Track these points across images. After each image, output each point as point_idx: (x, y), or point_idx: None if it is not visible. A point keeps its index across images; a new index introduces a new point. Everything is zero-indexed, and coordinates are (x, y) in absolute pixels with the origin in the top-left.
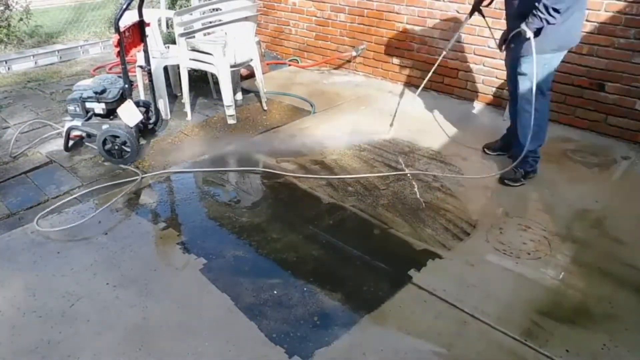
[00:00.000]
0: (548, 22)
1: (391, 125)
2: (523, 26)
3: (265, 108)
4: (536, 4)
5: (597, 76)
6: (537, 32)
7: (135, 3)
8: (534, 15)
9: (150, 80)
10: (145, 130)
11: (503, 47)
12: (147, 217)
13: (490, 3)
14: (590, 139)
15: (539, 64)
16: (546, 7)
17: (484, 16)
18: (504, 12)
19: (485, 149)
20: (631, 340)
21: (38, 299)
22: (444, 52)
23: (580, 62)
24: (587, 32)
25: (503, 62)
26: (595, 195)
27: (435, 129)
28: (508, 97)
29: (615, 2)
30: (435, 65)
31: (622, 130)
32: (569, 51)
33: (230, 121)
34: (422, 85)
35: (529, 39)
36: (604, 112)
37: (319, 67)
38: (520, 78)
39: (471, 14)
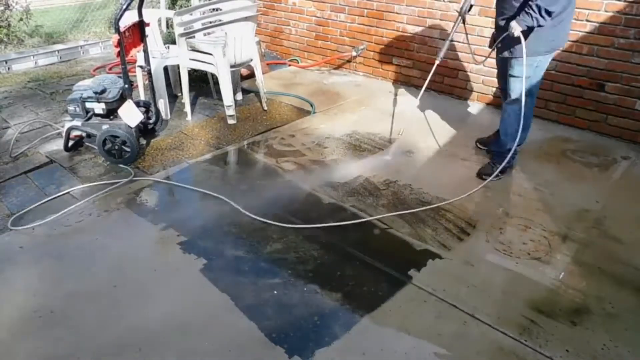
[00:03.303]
0: (538, 23)
1: (400, 134)
2: (513, 23)
3: (266, 108)
4: (530, 3)
5: (597, 76)
6: (527, 34)
7: (135, 3)
8: (527, 13)
9: (150, 80)
10: (145, 130)
11: (493, 46)
12: (147, 216)
13: (470, 9)
14: (590, 139)
15: (531, 66)
16: (539, 8)
17: (465, 24)
18: (495, 11)
19: (477, 143)
20: (631, 340)
21: (38, 299)
22: (437, 62)
23: (580, 62)
24: (587, 32)
25: None
26: (595, 195)
27: (435, 129)
28: (500, 94)
29: (615, 2)
30: (432, 72)
31: (622, 130)
32: (568, 51)
33: (231, 121)
34: (422, 92)
35: (517, 37)
36: (604, 112)
37: (319, 67)
38: (511, 80)
39: (457, 22)
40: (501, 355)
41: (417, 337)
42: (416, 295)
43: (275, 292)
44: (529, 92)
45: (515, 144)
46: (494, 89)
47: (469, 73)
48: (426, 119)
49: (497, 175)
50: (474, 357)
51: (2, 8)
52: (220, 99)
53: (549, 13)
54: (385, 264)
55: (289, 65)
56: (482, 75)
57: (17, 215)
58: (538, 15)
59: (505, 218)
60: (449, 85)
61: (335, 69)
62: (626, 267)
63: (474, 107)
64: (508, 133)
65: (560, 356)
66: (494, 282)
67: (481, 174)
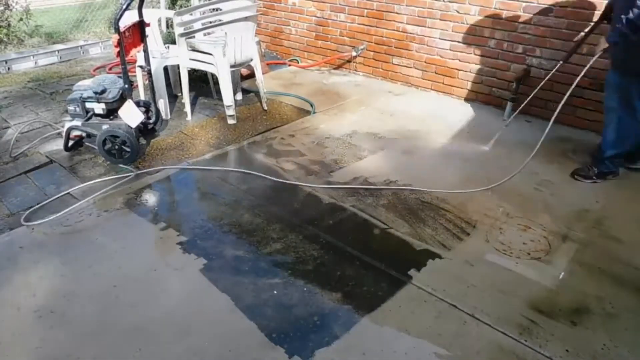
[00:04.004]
0: (626, 37)
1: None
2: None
3: (266, 108)
4: (622, 15)
5: (597, 76)
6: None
7: (135, 3)
8: (614, 27)
9: (150, 80)
10: (145, 130)
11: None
12: (147, 216)
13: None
14: (590, 139)
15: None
16: (628, 21)
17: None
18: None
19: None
20: (631, 340)
21: (38, 299)
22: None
23: (580, 62)
24: (587, 32)
25: (503, 62)
26: (595, 195)
27: (436, 129)
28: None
29: None
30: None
31: None
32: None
33: (230, 121)
34: (513, 115)
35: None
36: (604, 112)
37: (319, 67)
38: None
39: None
40: (501, 355)
41: (417, 337)
42: (416, 295)
43: (275, 292)
44: (627, 104)
45: (614, 152)
46: (494, 89)
47: (469, 73)
48: (426, 119)
49: (593, 179)
50: (474, 357)
51: (2, 8)
52: (220, 99)
53: (637, 28)
54: (385, 264)
55: (289, 65)
56: (482, 75)
57: (29, 212)
58: (626, 30)
59: (505, 218)
60: (448, 85)
61: (335, 69)
62: (626, 267)
63: (474, 107)
64: (605, 140)
65: (560, 356)
66: (494, 282)
67: (575, 174)
